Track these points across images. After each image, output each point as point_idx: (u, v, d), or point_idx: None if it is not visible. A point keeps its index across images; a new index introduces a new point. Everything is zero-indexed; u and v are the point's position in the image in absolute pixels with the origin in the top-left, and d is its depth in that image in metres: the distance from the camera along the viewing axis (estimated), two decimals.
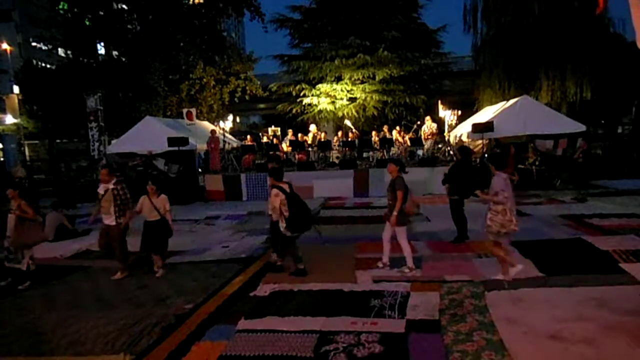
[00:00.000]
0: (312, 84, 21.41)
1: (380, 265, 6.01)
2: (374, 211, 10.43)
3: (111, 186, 6.08)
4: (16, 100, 25.23)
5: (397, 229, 5.70)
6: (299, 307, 4.79)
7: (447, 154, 15.04)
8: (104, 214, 6.11)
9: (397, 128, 16.06)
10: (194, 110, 17.17)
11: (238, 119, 32.56)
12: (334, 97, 20.99)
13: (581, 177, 11.99)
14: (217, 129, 16.13)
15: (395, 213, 5.60)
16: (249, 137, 17.61)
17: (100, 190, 6.16)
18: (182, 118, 17.09)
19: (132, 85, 20.95)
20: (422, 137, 15.19)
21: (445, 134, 16.56)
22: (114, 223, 6.06)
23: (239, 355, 3.82)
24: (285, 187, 5.75)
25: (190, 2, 23.47)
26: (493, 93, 20.02)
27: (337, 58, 20.31)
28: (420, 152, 15.12)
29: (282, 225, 5.68)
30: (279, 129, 20.67)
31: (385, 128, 16.44)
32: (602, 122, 24.81)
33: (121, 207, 6.09)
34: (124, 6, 23.08)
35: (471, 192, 6.41)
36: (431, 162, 13.60)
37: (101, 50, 23.90)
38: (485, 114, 15.84)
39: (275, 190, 5.72)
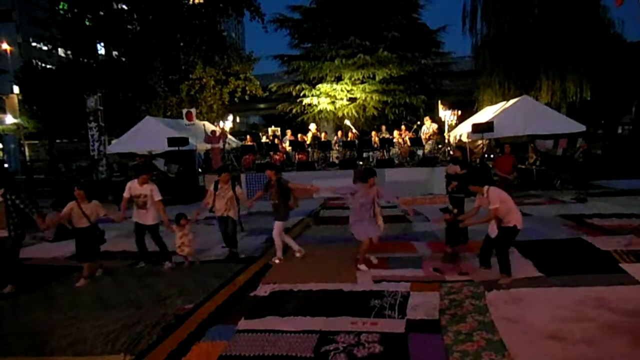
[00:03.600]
0: (312, 84, 21.40)
1: (298, 254, 6.66)
2: None
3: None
4: (16, 100, 25.20)
5: (278, 223, 6.54)
6: (299, 307, 4.79)
7: (447, 154, 15.04)
8: None
9: (402, 127, 16.03)
10: (193, 111, 17.16)
11: (238, 119, 32.58)
12: (334, 97, 20.98)
13: (581, 177, 11.98)
14: (217, 129, 16.14)
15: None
16: (248, 137, 17.62)
17: None
18: (182, 118, 17.09)
19: (132, 85, 20.97)
20: (423, 138, 15.18)
21: (445, 134, 16.57)
22: (6, 235, 5.64)
23: (239, 355, 3.82)
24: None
25: (190, 2, 23.47)
26: (493, 93, 20.04)
27: (337, 58, 20.30)
28: (420, 152, 15.12)
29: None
30: (278, 129, 20.67)
31: (383, 128, 16.42)
32: (602, 122, 24.83)
33: (18, 218, 5.72)
34: (124, 6, 23.11)
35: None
36: (431, 162, 13.59)
37: (101, 50, 23.92)
38: (485, 114, 15.83)
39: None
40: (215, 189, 6.89)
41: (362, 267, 6.00)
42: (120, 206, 6.63)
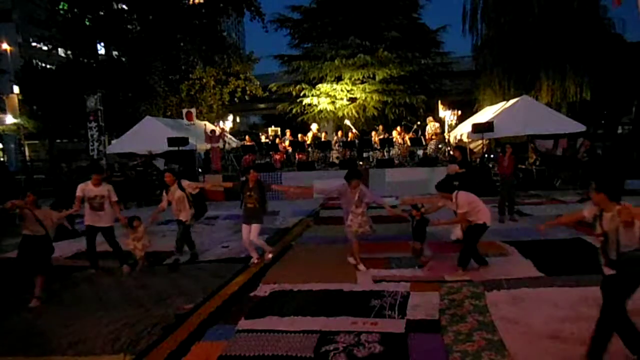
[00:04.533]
0: (312, 84, 21.40)
1: (255, 261, 6.51)
2: (374, 211, 10.39)
3: None
4: (16, 100, 25.23)
5: (257, 226, 6.40)
6: (299, 307, 4.79)
7: (447, 154, 15.05)
8: None
9: (398, 128, 16.05)
10: (193, 111, 17.18)
11: (238, 119, 32.57)
12: (334, 97, 20.98)
13: (587, 176, 11.85)
14: (217, 129, 16.14)
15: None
16: (247, 137, 17.63)
17: None
18: (182, 118, 17.12)
19: (132, 85, 20.96)
20: (427, 137, 15.19)
21: (445, 134, 16.58)
22: None
23: (239, 355, 3.82)
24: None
25: (190, 2, 23.47)
26: (493, 93, 20.03)
27: (337, 58, 20.30)
28: (420, 152, 15.13)
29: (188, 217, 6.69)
30: (278, 129, 20.69)
31: (380, 128, 16.42)
32: (602, 122, 24.82)
33: None
34: (124, 6, 23.10)
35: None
36: (431, 162, 13.60)
37: (101, 50, 23.91)
38: (485, 114, 15.84)
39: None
40: (167, 191, 6.68)
41: (361, 267, 6.01)
42: (73, 206, 6.30)
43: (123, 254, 6.55)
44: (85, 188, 6.29)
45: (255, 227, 6.36)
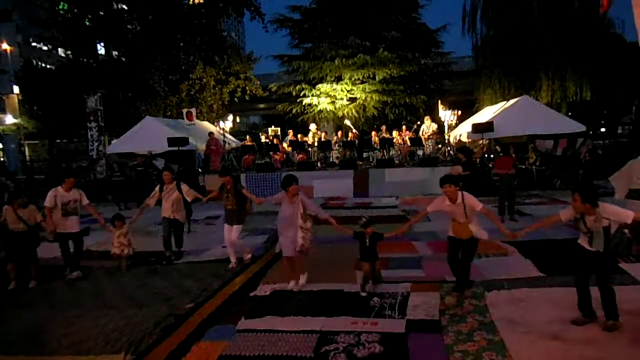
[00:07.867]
0: (312, 84, 21.40)
1: (233, 265, 6.40)
2: (374, 211, 10.43)
3: None
4: (16, 100, 25.26)
5: (239, 227, 6.37)
6: (299, 307, 4.79)
7: (447, 154, 15.04)
8: None
9: (402, 129, 16.04)
10: (194, 111, 17.17)
11: (238, 119, 32.59)
12: (334, 97, 20.98)
13: (590, 176, 11.83)
14: (215, 129, 16.16)
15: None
16: (248, 137, 17.64)
17: None
18: (182, 118, 17.13)
19: (132, 85, 20.96)
20: (422, 137, 15.19)
21: (445, 134, 16.57)
22: None
23: (239, 355, 3.82)
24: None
25: (190, 2, 23.48)
26: (493, 93, 20.04)
27: (337, 58, 20.31)
28: (420, 152, 15.13)
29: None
30: (279, 129, 20.72)
31: (384, 128, 16.43)
32: (602, 122, 24.84)
33: None
34: (124, 6, 23.09)
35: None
36: (431, 162, 13.60)
37: (101, 50, 23.91)
38: (485, 114, 15.84)
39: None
40: (161, 189, 6.82)
41: (291, 283, 5.42)
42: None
43: (80, 262, 6.44)
44: (58, 193, 6.08)
45: (236, 228, 6.35)
